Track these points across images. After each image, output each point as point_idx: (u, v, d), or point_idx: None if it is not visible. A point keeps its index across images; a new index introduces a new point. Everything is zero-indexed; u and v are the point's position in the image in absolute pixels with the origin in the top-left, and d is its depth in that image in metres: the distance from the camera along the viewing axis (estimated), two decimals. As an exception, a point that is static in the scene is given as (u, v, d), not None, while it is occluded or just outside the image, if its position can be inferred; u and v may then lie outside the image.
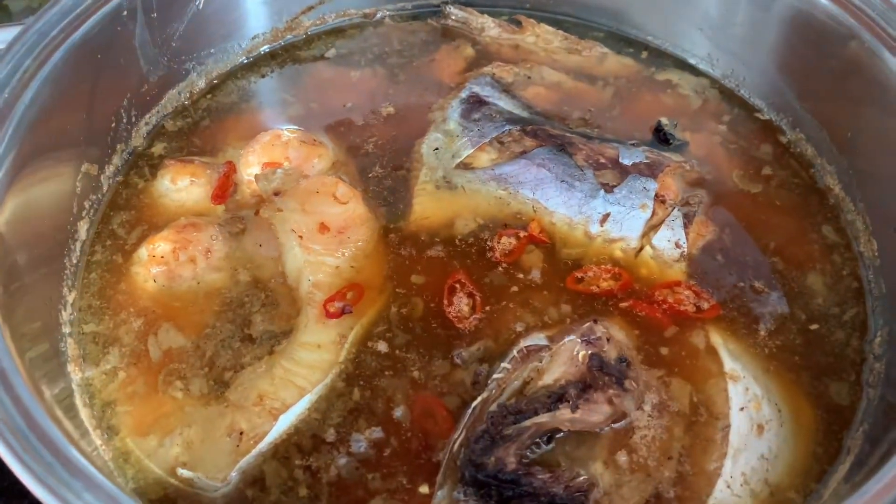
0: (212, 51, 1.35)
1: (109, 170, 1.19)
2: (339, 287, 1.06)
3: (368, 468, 0.92)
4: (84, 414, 0.93)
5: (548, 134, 1.24)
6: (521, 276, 1.09)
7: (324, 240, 1.08)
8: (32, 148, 0.98)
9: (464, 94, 1.33)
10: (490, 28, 1.46)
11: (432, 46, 1.45)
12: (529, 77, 1.38)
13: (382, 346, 1.02)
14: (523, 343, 1.00)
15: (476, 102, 1.31)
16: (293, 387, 0.97)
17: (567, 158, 1.19)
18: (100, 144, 1.16)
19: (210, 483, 0.90)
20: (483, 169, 1.21)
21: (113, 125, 1.18)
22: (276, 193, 1.11)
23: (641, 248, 1.13)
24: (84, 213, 1.12)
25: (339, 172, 1.21)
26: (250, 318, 1.05)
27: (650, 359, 1.02)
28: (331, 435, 0.94)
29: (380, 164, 1.23)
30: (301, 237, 1.07)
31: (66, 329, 1.01)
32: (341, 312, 1.03)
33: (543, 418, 0.92)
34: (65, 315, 1.02)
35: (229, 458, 0.91)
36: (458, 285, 1.07)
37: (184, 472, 0.90)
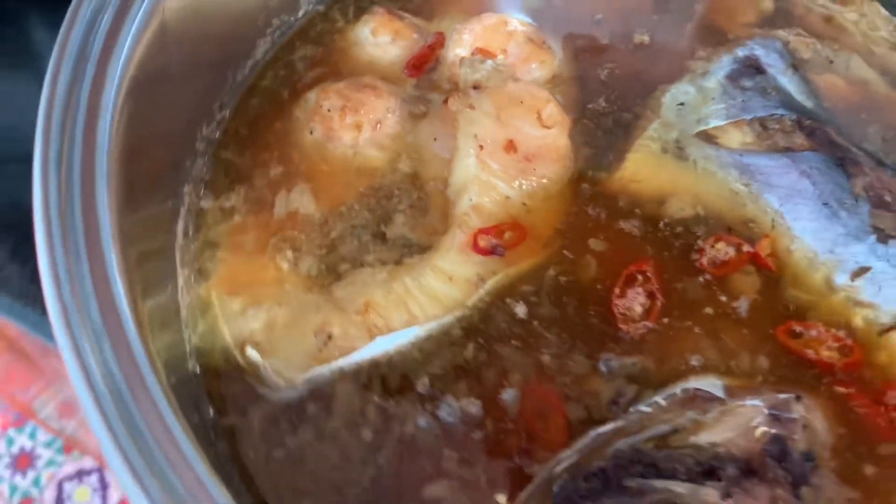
0: None
1: (312, -8, 1.04)
2: (501, 221, 0.87)
3: (448, 443, 0.74)
4: (179, 243, 0.82)
5: (828, 138, 0.95)
6: (723, 297, 0.84)
7: (506, 160, 0.88)
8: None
9: (741, 53, 1.04)
10: (806, -17, 1.14)
11: (726, -18, 1.16)
12: (832, 61, 1.06)
13: (521, 310, 0.82)
14: (693, 382, 0.77)
15: (752, 67, 1.03)
16: (405, 311, 0.80)
17: (842, 178, 0.90)
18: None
19: (274, 379, 0.76)
20: (730, 150, 0.94)
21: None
22: (476, 87, 0.92)
23: (892, 329, 0.84)
24: (268, 31, 0.98)
25: (556, 88, 0.99)
26: (392, 216, 0.88)
27: (847, 471, 0.75)
28: (423, 385, 0.77)
29: (606, 97, 0.99)
30: (482, 147, 0.87)
31: (201, 146, 0.89)
32: (491, 251, 0.84)
33: (680, 488, 0.69)
34: (205, 130, 0.89)
35: (306, 360, 0.77)
36: (640, 276, 0.84)
37: (252, 354, 0.77)
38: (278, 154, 0.93)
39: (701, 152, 0.94)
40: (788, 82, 1.02)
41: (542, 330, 0.81)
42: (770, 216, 0.90)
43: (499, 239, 0.85)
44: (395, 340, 0.79)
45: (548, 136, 0.89)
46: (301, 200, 0.89)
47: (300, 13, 1.04)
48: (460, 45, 1.00)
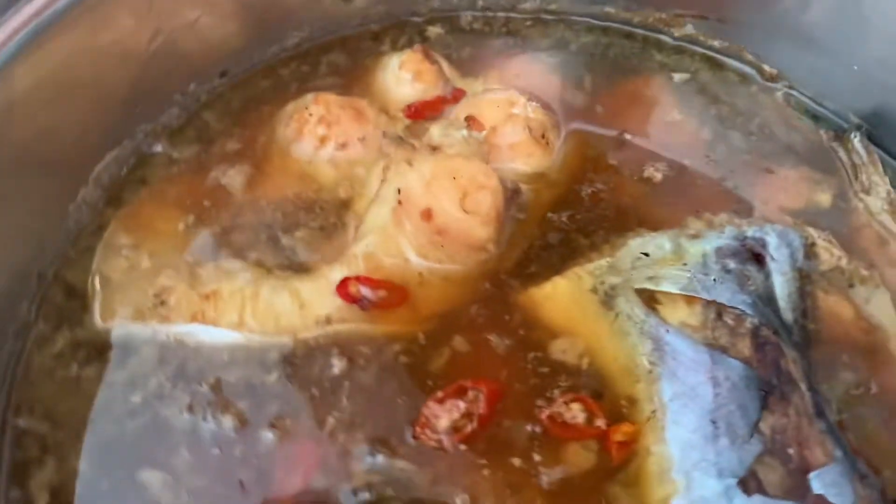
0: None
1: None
2: (389, 279, 0.85)
3: (187, 444, 0.75)
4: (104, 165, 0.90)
5: (776, 361, 0.81)
6: (539, 458, 0.75)
7: (420, 225, 0.86)
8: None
9: (750, 232, 0.92)
10: (877, 190, 0.97)
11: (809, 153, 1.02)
12: (852, 286, 0.90)
13: (339, 367, 0.80)
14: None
15: (752, 252, 0.90)
16: (238, 314, 0.82)
17: (754, 406, 0.77)
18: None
19: (98, 312, 0.82)
20: (659, 321, 0.84)
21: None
22: (434, 149, 0.90)
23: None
24: (305, 26, 1.05)
25: (530, 185, 0.95)
26: (298, 227, 0.90)
27: None
28: (207, 385, 0.78)
29: (574, 214, 0.93)
30: (400, 203, 0.86)
31: (180, 98, 0.97)
32: (355, 300, 0.83)
33: None
34: (194, 87, 0.98)
35: (132, 311, 0.82)
36: (472, 393, 0.79)
37: (96, 283, 0.84)
38: (248, 134, 0.98)
39: (629, 309, 0.85)
40: (782, 285, 0.88)
41: (344, 393, 0.79)
42: (653, 406, 0.79)
43: (371, 293, 0.84)
44: (211, 334, 0.81)
45: (465, 221, 0.85)
46: (234, 180, 0.94)
47: (356, 22, 1.09)
48: (465, 109, 0.99)
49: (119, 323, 0.82)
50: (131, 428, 0.76)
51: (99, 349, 0.80)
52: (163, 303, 0.82)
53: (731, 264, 0.89)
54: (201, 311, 0.82)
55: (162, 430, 0.76)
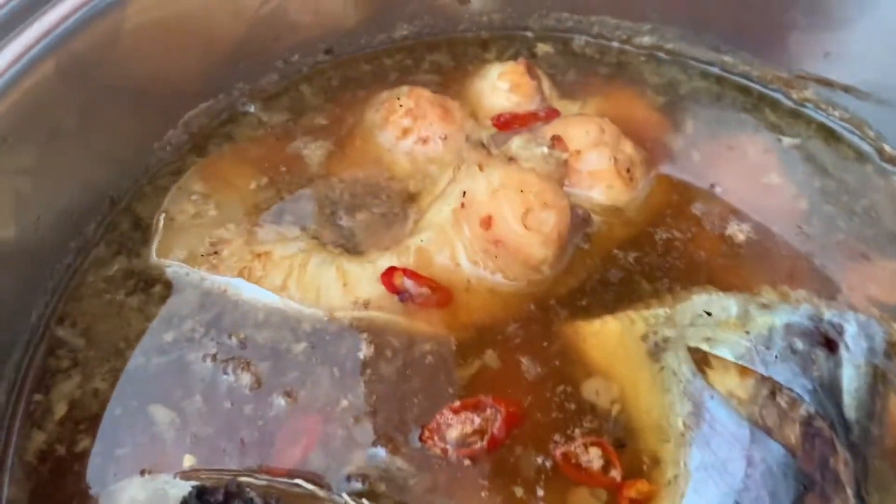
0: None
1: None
2: (436, 278, 0.84)
3: (201, 392, 0.76)
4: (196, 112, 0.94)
5: (824, 457, 0.74)
6: (542, 493, 0.72)
7: (478, 231, 0.84)
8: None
9: (828, 316, 0.85)
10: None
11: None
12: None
13: (366, 352, 0.79)
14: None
15: (825, 338, 0.83)
16: (283, 279, 0.83)
17: (789, 492, 0.71)
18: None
19: (154, 249, 0.85)
20: (706, 385, 0.79)
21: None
22: (511, 159, 0.89)
23: None
24: (416, 22, 1.07)
25: (603, 217, 0.92)
26: (360, 210, 0.90)
27: None
28: (236, 339, 0.79)
29: (641, 257, 0.89)
30: (463, 205, 0.85)
31: (282, 66, 1.00)
32: (396, 291, 0.82)
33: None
34: (297, 56, 1.01)
35: (186, 254, 0.85)
36: (490, 410, 0.76)
37: (160, 221, 0.87)
38: (338, 112, 1.00)
39: (676, 365, 0.80)
40: (851, 378, 0.81)
41: (364, 379, 0.78)
42: (677, 470, 0.74)
43: (415, 287, 0.83)
44: (253, 292, 0.82)
45: (524, 237, 0.83)
46: (314, 153, 0.95)
47: (467, 27, 1.09)
48: (553, 128, 0.97)
49: (172, 262, 0.84)
50: (156, 363, 0.78)
51: (148, 282, 0.83)
52: (216, 252, 0.84)
53: (799, 344, 0.82)
54: (249, 268, 0.83)
55: (183, 373, 0.77)
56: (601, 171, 0.93)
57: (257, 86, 0.99)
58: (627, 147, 0.95)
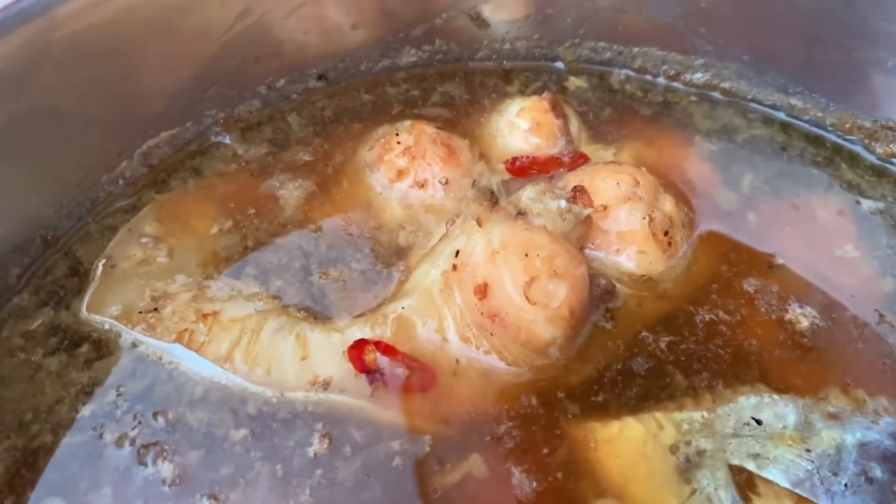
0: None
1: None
2: (419, 356, 0.68)
3: (110, 474, 0.62)
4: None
5: None
6: None
7: (471, 301, 0.68)
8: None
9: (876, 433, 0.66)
10: None
11: None
12: None
13: (318, 447, 0.64)
14: None
15: (880, 456, 0.65)
16: (228, 349, 0.68)
17: None
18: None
19: (86, 302, 0.72)
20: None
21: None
22: (521, 213, 0.73)
23: None
24: (430, 54, 0.92)
25: (632, 289, 0.75)
26: (335, 266, 0.76)
27: None
28: (172, 416, 0.65)
29: (672, 343, 0.71)
30: (455, 268, 0.69)
31: (261, 90, 0.86)
32: (367, 370, 0.67)
33: None
34: (282, 83, 0.87)
35: (122, 310, 0.71)
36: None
37: (98, 269, 0.74)
38: (326, 148, 0.86)
39: (712, 489, 0.63)
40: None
41: (311, 483, 0.62)
42: None
43: (390, 367, 0.67)
44: (190, 360, 0.68)
45: (526, 312, 0.66)
46: (291, 194, 0.81)
47: (487, 54, 0.94)
48: (578, 177, 0.81)
49: (105, 318, 0.71)
50: (65, 444, 0.64)
51: (74, 341, 0.70)
52: (156, 310, 0.70)
53: (877, 471, 0.64)
54: (191, 331, 0.69)
55: (94, 459, 0.63)
56: (632, 233, 0.76)
57: (234, 114, 0.86)
58: (667, 204, 0.78)
